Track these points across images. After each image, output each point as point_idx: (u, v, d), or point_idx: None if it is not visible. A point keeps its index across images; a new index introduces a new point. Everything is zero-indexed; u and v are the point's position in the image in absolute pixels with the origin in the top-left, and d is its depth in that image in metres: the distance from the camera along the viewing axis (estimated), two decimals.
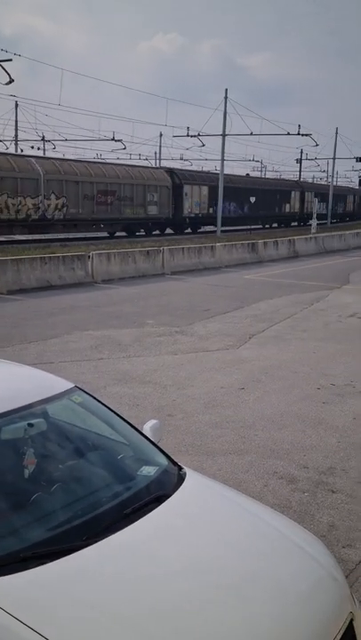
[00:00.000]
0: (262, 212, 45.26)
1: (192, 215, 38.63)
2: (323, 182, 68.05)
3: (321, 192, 56.01)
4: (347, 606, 2.60)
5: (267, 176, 68.47)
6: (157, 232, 35.97)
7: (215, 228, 36.64)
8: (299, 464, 5.50)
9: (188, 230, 38.32)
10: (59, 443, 3.18)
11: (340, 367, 8.75)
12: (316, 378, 8.16)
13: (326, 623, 2.45)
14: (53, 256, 17.04)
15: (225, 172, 36.80)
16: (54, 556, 2.38)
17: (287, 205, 49.99)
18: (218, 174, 43.98)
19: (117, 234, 34.11)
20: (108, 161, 40.83)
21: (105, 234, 33.94)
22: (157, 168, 38.16)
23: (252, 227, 41.83)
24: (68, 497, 2.82)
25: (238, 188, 42.49)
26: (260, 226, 46.12)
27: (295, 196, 51.14)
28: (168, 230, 36.94)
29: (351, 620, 2.55)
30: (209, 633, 2.19)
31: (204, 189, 39.31)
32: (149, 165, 41.52)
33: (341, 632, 2.44)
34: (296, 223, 51.39)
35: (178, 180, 37.01)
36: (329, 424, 6.49)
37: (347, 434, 6.25)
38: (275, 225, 48.70)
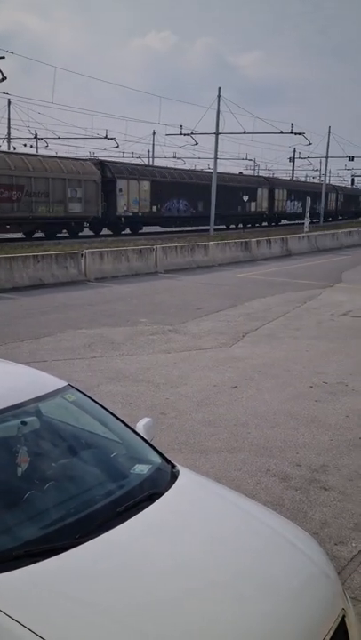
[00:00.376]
0: (222, 210, 39.22)
1: (129, 214, 33.57)
2: (316, 181, 67.61)
3: (296, 189, 51.90)
4: (339, 603, 2.61)
5: (260, 174, 68.34)
6: (92, 233, 32.11)
7: (161, 230, 33.68)
8: (291, 462, 5.52)
9: (127, 231, 33.82)
10: (52, 441, 3.19)
11: (333, 365, 8.78)
12: (308, 376, 8.18)
13: (319, 620, 2.46)
14: (46, 254, 17.01)
15: (218, 170, 36.60)
16: (47, 555, 2.38)
17: (253, 204, 44.89)
18: (161, 168, 39.73)
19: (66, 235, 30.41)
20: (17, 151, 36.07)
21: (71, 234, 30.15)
22: (84, 160, 33.36)
23: (207, 227, 36.75)
24: (62, 495, 2.82)
25: (190, 184, 37.28)
26: (224, 226, 41.35)
27: (262, 193, 46.27)
28: (105, 231, 32.95)
29: (343, 617, 2.56)
30: (202, 630, 2.20)
31: (145, 185, 34.32)
32: (73, 157, 35.84)
33: (333, 628, 2.46)
34: (266, 223, 46.95)
35: (110, 174, 32.24)
36: (321, 422, 6.52)
37: (339, 432, 6.27)
38: (240, 226, 44.28)
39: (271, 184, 48.80)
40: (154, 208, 35.41)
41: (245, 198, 42.39)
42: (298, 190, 52.40)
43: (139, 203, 34.21)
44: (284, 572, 2.63)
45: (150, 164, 51.61)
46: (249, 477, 5.18)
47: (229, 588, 2.43)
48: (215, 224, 39.36)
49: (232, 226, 43.95)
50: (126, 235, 32.87)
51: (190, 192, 37.48)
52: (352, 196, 67.72)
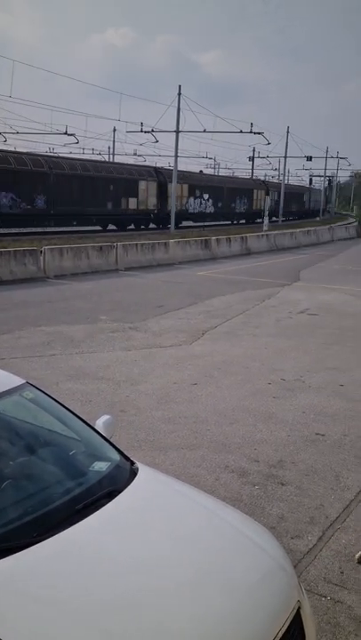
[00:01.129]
0: (81, 208, 32.19)
1: None
2: (276, 180, 67.77)
3: (205, 185, 43.71)
4: (294, 595, 2.67)
5: (220, 173, 68.36)
6: None
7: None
8: (250, 458, 5.59)
9: None
10: (9, 439, 3.15)
11: (291, 362, 8.91)
12: (267, 373, 8.29)
13: (275, 613, 2.51)
14: (4, 251, 16.74)
15: (178, 167, 36.50)
16: (3, 554, 2.36)
17: (133, 200, 36.16)
18: None
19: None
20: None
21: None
22: None
23: (56, 229, 30.06)
24: (19, 493, 2.79)
25: (21, 172, 28.62)
26: (100, 228, 33.57)
27: (148, 187, 37.28)
28: None
29: (299, 609, 2.62)
30: (160, 627, 2.21)
31: None
32: None
33: (289, 620, 2.51)
34: (155, 225, 38.21)
35: None
36: (279, 418, 6.62)
37: (296, 427, 6.38)
38: (111, 227, 35.81)
39: (162, 176, 38.97)
40: None
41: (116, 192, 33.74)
42: (208, 186, 43.96)
43: None
44: (242, 567, 2.67)
45: (112, 160, 50.97)
46: (208, 474, 5.22)
47: (187, 584, 2.45)
48: (64, 225, 31.73)
49: (117, 227, 35.66)
50: None
51: (22, 182, 28.72)
52: (291, 194, 59.57)
